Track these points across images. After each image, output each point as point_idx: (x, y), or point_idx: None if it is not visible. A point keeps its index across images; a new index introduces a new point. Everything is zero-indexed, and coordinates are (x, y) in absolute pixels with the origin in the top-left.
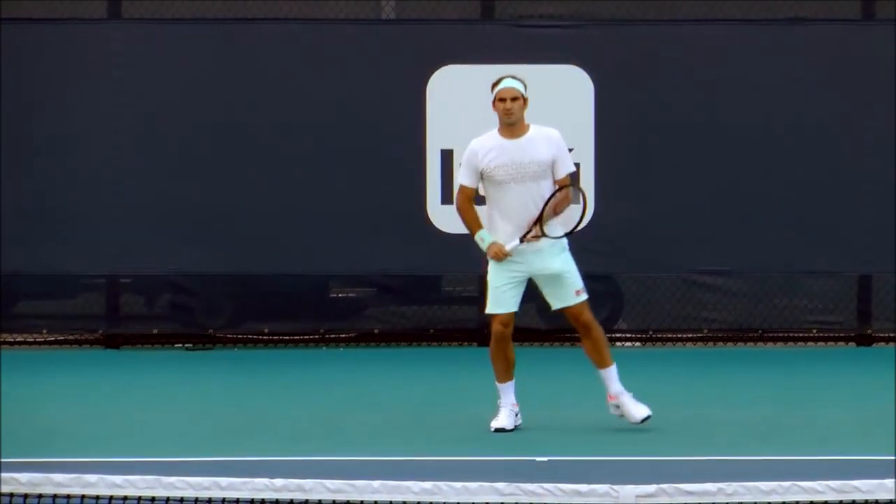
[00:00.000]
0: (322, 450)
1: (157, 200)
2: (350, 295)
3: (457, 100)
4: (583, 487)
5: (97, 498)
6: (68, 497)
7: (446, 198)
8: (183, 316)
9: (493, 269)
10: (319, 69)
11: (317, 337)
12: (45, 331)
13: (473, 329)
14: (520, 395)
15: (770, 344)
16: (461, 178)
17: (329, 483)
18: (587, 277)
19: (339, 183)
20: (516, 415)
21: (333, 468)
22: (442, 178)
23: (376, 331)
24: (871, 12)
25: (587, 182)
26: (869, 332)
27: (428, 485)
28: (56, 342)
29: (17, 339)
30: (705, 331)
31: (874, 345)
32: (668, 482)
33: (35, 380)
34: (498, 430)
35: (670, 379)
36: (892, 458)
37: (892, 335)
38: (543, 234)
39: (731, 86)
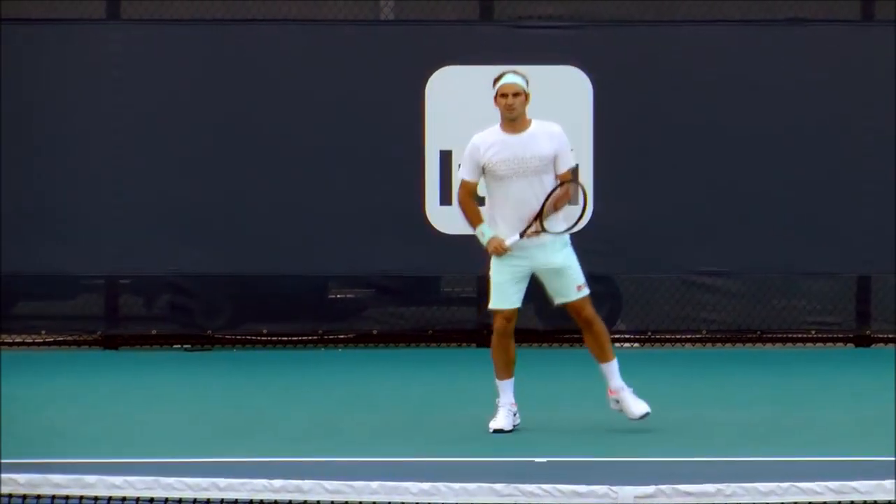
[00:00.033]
0: (321, 450)
1: (155, 201)
2: (349, 296)
3: (456, 100)
4: (581, 488)
5: (96, 499)
6: (67, 498)
7: (445, 198)
8: (182, 317)
9: (495, 264)
10: (318, 70)
11: (315, 338)
12: (43, 331)
13: (472, 330)
14: (518, 396)
15: (769, 345)
16: (462, 172)
17: (327, 484)
18: (585, 278)
19: (337, 184)
20: (514, 414)
21: (332, 469)
22: (441, 178)
23: (375, 332)
24: (871, 13)
25: (585, 183)
26: (868, 332)
27: (426, 486)
28: (55, 343)
29: (16, 340)
30: (704, 332)
31: (873, 346)
32: (667, 483)
33: (34, 381)
34: (496, 431)
35: (669, 380)
36: (891, 458)
37: (890, 336)
38: (543, 230)
39: (729, 87)
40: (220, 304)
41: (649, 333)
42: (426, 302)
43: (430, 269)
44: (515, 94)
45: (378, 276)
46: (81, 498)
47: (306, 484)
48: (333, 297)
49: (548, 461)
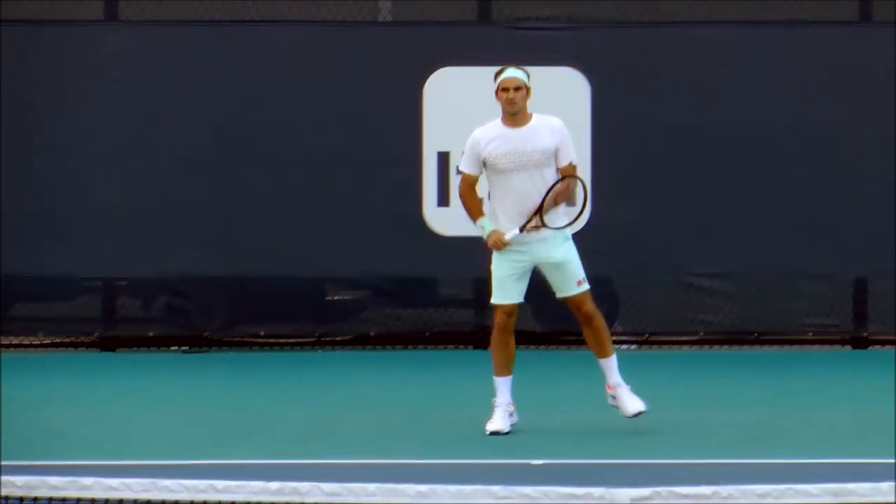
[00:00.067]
0: (318, 452)
1: (153, 203)
2: (346, 298)
3: (454, 102)
4: (578, 490)
5: (93, 501)
6: (64, 500)
7: (443, 200)
8: (179, 319)
9: (496, 259)
10: (316, 71)
11: (313, 340)
12: (41, 333)
13: (469, 332)
14: (515, 398)
15: (766, 347)
16: (462, 165)
17: (325, 486)
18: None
19: (335, 185)
20: (510, 414)
21: (330, 471)
22: (439, 180)
23: (372, 333)
24: (869, 14)
25: (578, 190)
26: (865, 334)
27: (424, 488)
28: (52, 345)
29: (13, 342)
30: (701, 333)
31: (870, 348)
32: (664, 485)
33: (31, 383)
34: (493, 434)
35: (666, 381)
36: (889, 460)
37: (888, 338)
38: (543, 225)
39: (727, 88)
40: (217, 305)
41: (647, 335)
42: (424, 304)
43: (427, 270)
44: (517, 89)
45: (375, 277)
46: (79, 500)
47: (304, 486)
48: (331, 298)
49: (544, 463)
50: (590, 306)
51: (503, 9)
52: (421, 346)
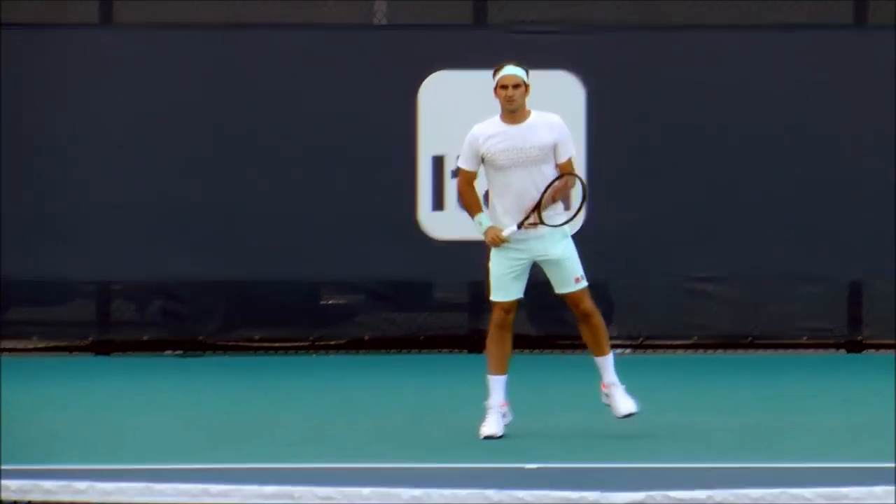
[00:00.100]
0: (313, 456)
1: (147, 207)
2: (340, 302)
3: (449, 105)
4: (572, 494)
5: None
6: None
7: (437, 204)
8: (174, 323)
9: (494, 256)
10: (311, 74)
11: (307, 344)
12: (35, 337)
13: (464, 336)
14: (510, 402)
15: (760, 350)
16: (461, 161)
17: (319, 490)
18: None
19: (330, 189)
20: (504, 415)
21: (324, 475)
22: (434, 184)
23: (367, 337)
24: (864, 17)
25: (574, 193)
26: (859, 338)
27: (418, 492)
28: (46, 349)
29: (8, 347)
30: (695, 337)
31: (864, 352)
32: (658, 489)
33: (26, 387)
34: (487, 438)
35: (661, 385)
36: (884, 465)
37: (882, 342)
38: (541, 222)
39: (724, 91)
40: (211, 309)
41: (641, 339)
42: (418, 308)
43: (422, 274)
44: (515, 86)
45: (370, 281)
46: None
47: (298, 490)
48: (325, 302)
49: (539, 467)
50: (588, 304)
51: (499, 12)
52: (415, 350)
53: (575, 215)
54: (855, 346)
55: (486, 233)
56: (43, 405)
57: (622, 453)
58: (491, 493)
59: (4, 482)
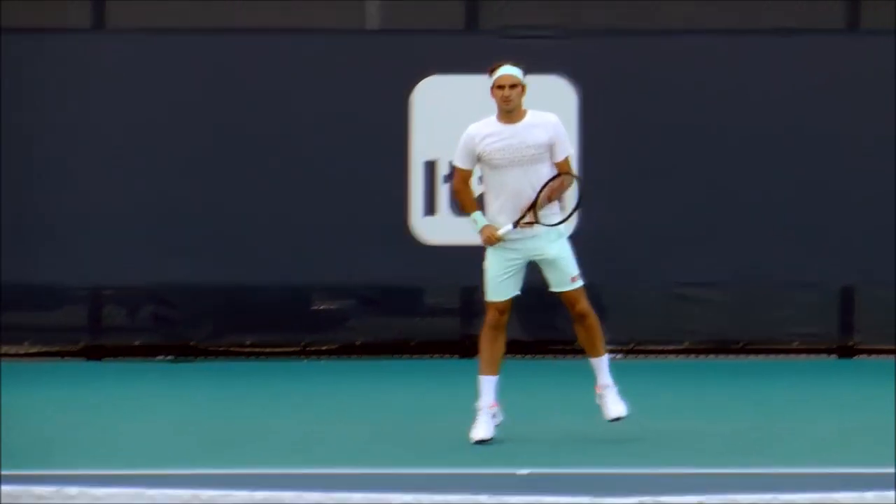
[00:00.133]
0: (304, 461)
1: (140, 212)
2: (332, 307)
3: (441, 110)
4: (564, 500)
5: None
6: None
7: (429, 209)
8: (165, 328)
9: (490, 257)
10: (303, 79)
11: (299, 349)
12: (27, 342)
13: (455, 341)
14: (502, 407)
15: (752, 356)
16: (456, 160)
17: (309, 496)
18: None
19: (322, 194)
20: (494, 416)
21: (315, 480)
22: (426, 189)
23: (358, 342)
24: (856, 22)
25: (570, 192)
26: (851, 344)
27: (409, 497)
28: (38, 354)
29: None
30: (687, 343)
31: (856, 357)
32: (650, 495)
33: (17, 392)
34: (478, 443)
35: (652, 391)
36: (875, 470)
37: (874, 347)
38: (537, 221)
39: (714, 97)
40: (203, 314)
41: (632, 344)
42: (410, 313)
43: (413, 280)
44: (512, 86)
45: (362, 286)
46: None
47: (288, 496)
48: (317, 308)
49: (530, 473)
50: (584, 304)
51: (491, 17)
52: (407, 356)
53: (571, 214)
54: (847, 352)
55: (481, 231)
56: (34, 410)
57: (614, 459)
58: (483, 499)
59: None
